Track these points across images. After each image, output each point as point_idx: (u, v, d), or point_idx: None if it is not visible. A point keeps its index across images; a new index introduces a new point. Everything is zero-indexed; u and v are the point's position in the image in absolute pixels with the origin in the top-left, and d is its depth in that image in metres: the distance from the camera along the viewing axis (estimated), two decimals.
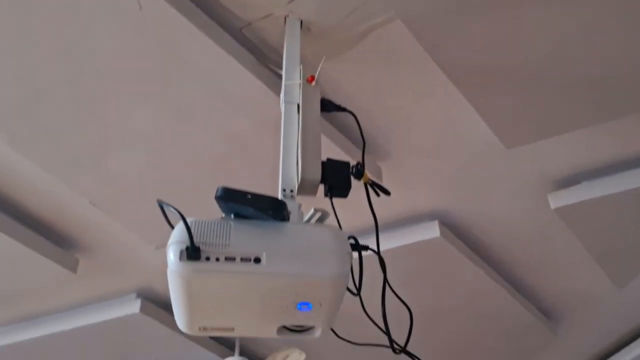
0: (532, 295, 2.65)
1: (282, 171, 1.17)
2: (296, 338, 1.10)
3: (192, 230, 0.95)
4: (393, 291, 1.12)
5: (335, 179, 1.18)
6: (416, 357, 1.07)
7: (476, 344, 2.86)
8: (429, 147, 1.95)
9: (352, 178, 1.19)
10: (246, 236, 0.97)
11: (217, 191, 0.98)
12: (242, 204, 0.99)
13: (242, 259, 0.94)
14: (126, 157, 1.79)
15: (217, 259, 0.94)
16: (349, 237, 1.06)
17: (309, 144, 1.19)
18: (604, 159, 1.98)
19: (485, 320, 2.70)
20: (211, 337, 2.91)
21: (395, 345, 1.06)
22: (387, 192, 1.27)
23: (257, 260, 0.94)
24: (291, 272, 0.95)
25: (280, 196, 1.12)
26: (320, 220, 1.07)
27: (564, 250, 2.31)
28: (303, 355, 2.52)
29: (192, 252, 0.92)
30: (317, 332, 1.10)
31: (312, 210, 1.07)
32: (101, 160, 1.80)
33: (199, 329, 1.06)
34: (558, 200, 2.01)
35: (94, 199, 1.90)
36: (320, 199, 1.17)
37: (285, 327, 1.08)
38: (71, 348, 2.71)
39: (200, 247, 0.93)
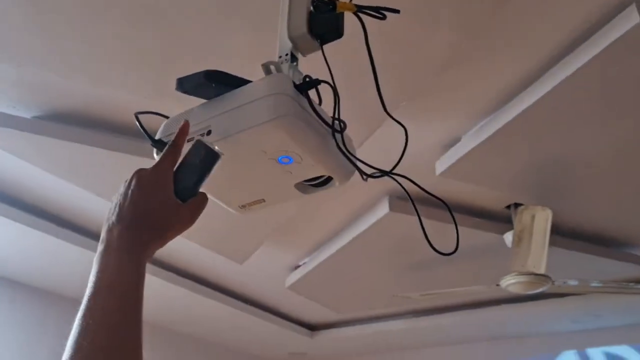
0: None
1: (279, 37, 1.12)
2: (321, 190, 1.08)
3: (167, 126, 1.04)
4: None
5: (319, 22, 1.08)
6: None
7: None
8: None
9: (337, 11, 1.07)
10: (202, 113, 1.00)
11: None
12: (197, 89, 1.02)
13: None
14: None
15: None
16: (305, 77, 0.98)
17: None
18: None
19: None
20: None
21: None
22: (393, 9, 1.10)
23: (209, 132, 0.97)
24: (235, 131, 0.94)
25: (273, 69, 1.07)
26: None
27: None
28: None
29: (158, 145, 1.01)
30: (336, 181, 1.06)
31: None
32: None
33: (239, 207, 1.14)
34: None
35: None
36: None
37: (302, 184, 1.07)
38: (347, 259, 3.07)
39: (164, 139, 1.01)
